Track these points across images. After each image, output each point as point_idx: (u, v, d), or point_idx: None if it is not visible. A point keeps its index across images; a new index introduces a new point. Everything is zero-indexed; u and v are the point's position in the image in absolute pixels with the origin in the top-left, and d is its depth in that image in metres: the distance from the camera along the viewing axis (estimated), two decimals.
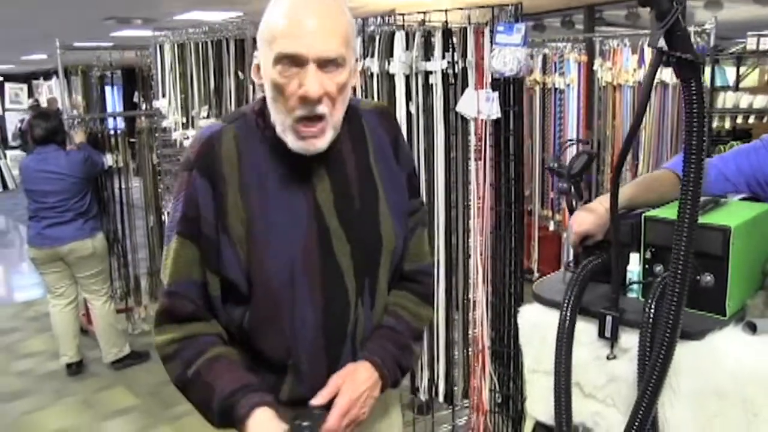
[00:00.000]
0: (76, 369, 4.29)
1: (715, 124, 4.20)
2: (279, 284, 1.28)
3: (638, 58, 4.66)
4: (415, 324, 1.46)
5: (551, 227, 5.22)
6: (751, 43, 4.30)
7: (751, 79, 5.38)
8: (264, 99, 1.31)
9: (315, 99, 1.20)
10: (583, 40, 5.12)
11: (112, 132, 4.72)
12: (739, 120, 4.36)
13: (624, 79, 4.74)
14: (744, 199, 1.75)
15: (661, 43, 1.17)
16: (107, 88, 4.91)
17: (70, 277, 4.21)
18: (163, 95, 3.60)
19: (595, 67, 4.99)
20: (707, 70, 3.83)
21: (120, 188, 4.73)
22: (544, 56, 4.94)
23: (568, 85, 4.92)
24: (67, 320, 4.25)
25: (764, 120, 4.54)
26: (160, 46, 3.55)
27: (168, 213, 3.83)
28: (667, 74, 4.36)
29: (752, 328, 1.35)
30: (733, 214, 1.48)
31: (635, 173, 4.28)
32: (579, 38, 5.26)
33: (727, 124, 4.36)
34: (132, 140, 4.79)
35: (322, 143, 1.25)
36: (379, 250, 1.37)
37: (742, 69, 4.64)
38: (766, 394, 1.27)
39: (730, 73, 4.87)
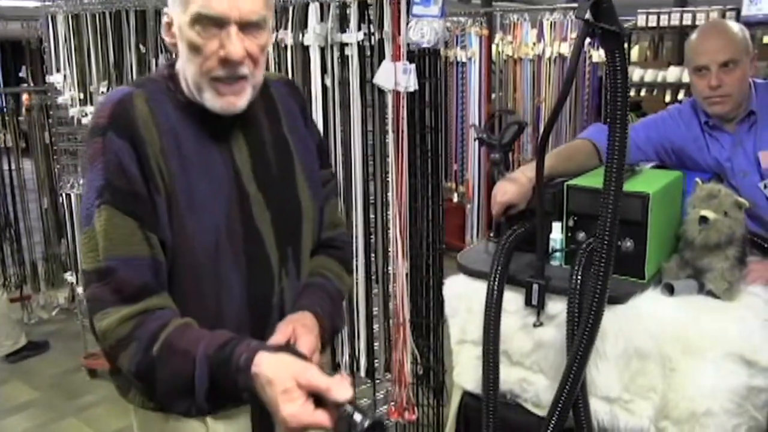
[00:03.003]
0: None
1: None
2: (203, 252, 1.20)
3: (537, 33, 4.81)
4: (341, 286, 1.43)
5: (455, 199, 5.35)
6: (641, 21, 4.55)
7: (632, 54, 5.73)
8: (172, 64, 1.25)
9: (238, 61, 1.16)
10: (484, 14, 5.22)
11: None
12: (632, 93, 4.58)
13: (524, 53, 4.89)
14: (654, 167, 1.84)
15: (588, 15, 1.20)
16: None
17: None
18: (58, 70, 3.36)
19: (495, 41, 5.10)
20: None
21: (9, 169, 4.43)
22: (446, 29, 4.98)
23: (470, 59, 5.01)
24: None
25: (654, 93, 4.81)
26: (51, 17, 3.30)
27: (70, 194, 3.61)
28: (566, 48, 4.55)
29: (670, 290, 1.42)
30: (648, 181, 1.54)
31: (536, 144, 4.43)
32: (480, 12, 5.35)
33: None
34: (20, 118, 4.49)
35: (241, 102, 1.20)
36: (300, 218, 1.34)
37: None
38: (682, 350, 1.35)
39: None
